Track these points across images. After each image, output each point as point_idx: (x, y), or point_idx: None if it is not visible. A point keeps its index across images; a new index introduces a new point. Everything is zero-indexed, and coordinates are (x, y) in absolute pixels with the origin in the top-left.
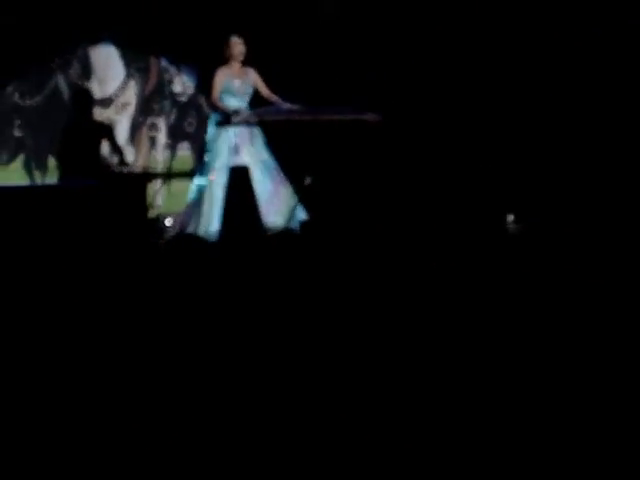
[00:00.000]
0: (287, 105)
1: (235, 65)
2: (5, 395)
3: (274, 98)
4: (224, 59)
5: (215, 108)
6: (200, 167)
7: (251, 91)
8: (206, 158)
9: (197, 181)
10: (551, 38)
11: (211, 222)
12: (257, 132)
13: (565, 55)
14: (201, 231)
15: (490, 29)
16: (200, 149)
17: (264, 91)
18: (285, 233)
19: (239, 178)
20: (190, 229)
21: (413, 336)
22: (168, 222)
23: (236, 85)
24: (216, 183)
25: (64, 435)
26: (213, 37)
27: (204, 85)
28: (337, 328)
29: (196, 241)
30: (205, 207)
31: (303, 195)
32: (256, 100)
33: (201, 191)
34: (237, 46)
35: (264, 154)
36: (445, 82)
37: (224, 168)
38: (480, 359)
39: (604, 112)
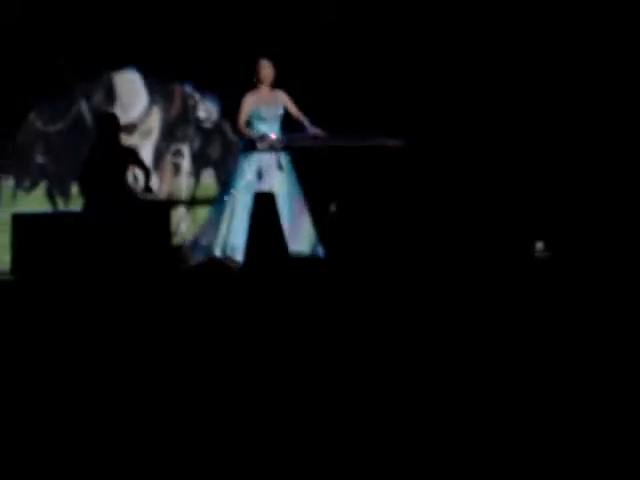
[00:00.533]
0: (313, 130)
1: (264, 89)
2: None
3: (302, 119)
4: (253, 83)
5: (241, 134)
6: (222, 186)
7: (281, 115)
8: (230, 179)
9: (217, 199)
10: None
11: (228, 239)
12: (283, 158)
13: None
14: (215, 246)
15: (518, 57)
16: (225, 175)
17: (293, 111)
18: (309, 260)
19: (265, 204)
20: (204, 242)
21: (435, 363)
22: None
23: (265, 110)
24: (237, 201)
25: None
26: (237, 62)
27: (229, 111)
28: (360, 354)
29: (221, 266)
30: (223, 224)
31: (327, 221)
32: (285, 121)
33: (220, 208)
34: (266, 69)
35: (289, 180)
36: (469, 107)
37: (246, 189)
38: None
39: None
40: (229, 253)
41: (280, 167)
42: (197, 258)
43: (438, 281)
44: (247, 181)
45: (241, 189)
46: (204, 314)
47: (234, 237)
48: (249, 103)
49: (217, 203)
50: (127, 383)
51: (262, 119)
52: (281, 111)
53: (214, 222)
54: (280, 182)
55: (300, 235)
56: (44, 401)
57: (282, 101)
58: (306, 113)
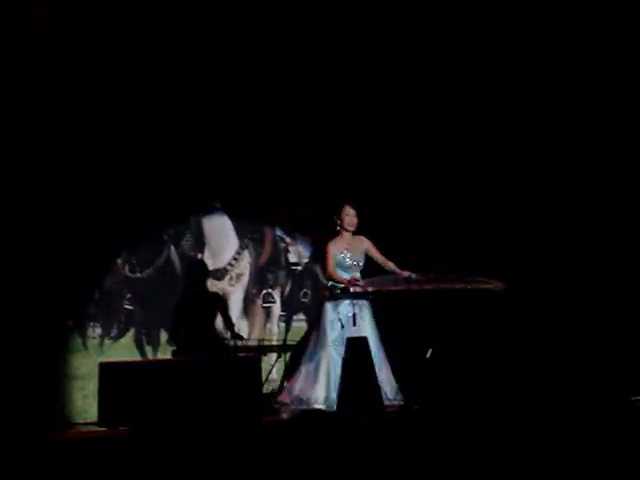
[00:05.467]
0: (405, 273)
1: (346, 235)
2: None
3: (390, 265)
4: (335, 229)
5: (333, 280)
6: (314, 335)
7: (363, 261)
8: (321, 327)
9: (310, 350)
10: None
11: (329, 393)
12: (366, 303)
13: None
14: (317, 401)
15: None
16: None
17: (379, 258)
18: (405, 408)
19: (358, 348)
20: (302, 396)
21: None
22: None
23: (349, 257)
24: (333, 353)
25: None
26: (327, 206)
27: (320, 255)
28: None
29: (314, 415)
30: (322, 377)
31: (424, 367)
32: (371, 266)
33: (316, 360)
34: (350, 216)
35: (372, 326)
36: (570, 250)
37: (341, 338)
38: None
39: None
40: (332, 406)
41: (364, 313)
42: (296, 410)
43: (536, 431)
44: (340, 330)
45: (336, 340)
46: (296, 465)
47: (330, 397)
48: (333, 249)
49: (311, 355)
50: None
51: (344, 267)
52: (363, 258)
53: (312, 376)
54: (371, 328)
55: (384, 382)
56: None
57: (365, 247)
58: (397, 255)
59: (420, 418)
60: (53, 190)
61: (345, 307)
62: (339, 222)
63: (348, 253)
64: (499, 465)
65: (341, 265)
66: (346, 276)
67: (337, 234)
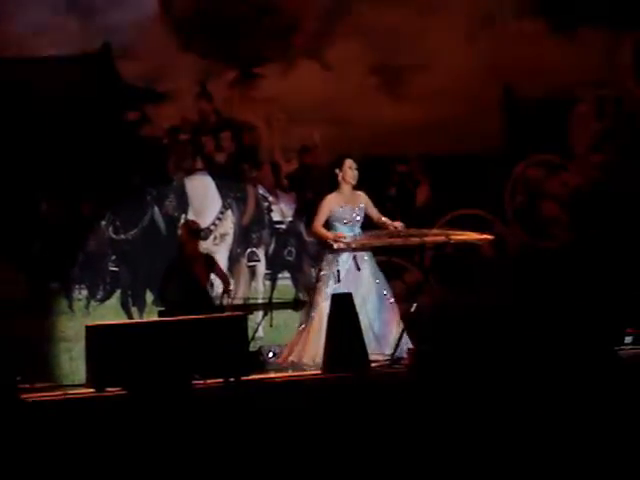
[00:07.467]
0: (397, 223)
1: (346, 189)
2: None
3: (383, 220)
4: (336, 183)
5: (316, 235)
6: (314, 294)
7: (362, 216)
8: (319, 284)
9: (308, 310)
10: None
11: (312, 352)
12: (367, 257)
13: None
14: (307, 359)
15: None
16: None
17: (374, 214)
18: (392, 362)
19: (341, 305)
20: (294, 357)
21: None
22: (271, 354)
23: (348, 211)
24: (324, 310)
25: None
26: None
27: (304, 212)
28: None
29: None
30: (313, 335)
31: (408, 322)
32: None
33: (310, 320)
34: (352, 169)
35: (374, 280)
36: None
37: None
38: None
39: None
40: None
41: (364, 267)
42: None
43: (524, 385)
44: (330, 289)
45: (326, 298)
46: (281, 423)
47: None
48: (331, 204)
49: (310, 312)
50: None
51: (344, 220)
52: (362, 213)
53: (303, 337)
54: (363, 283)
55: (392, 335)
56: None
57: (363, 203)
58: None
59: (404, 373)
60: (36, 153)
61: (343, 260)
62: (341, 175)
63: (347, 207)
64: (482, 416)
65: (340, 219)
66: (345, 229)
67: (337, 188)
